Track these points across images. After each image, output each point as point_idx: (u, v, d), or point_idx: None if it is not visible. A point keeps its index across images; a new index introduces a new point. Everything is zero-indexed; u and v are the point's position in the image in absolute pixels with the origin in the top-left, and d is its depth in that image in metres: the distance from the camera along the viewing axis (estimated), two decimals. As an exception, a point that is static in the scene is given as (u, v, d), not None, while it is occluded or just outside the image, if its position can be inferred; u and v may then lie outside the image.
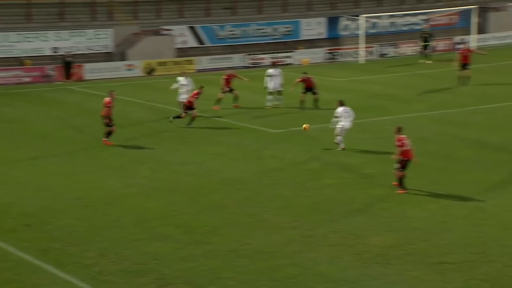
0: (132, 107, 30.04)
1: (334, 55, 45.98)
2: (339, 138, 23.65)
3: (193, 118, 26.96)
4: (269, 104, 30.53)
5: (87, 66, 40.59)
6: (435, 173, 20.44)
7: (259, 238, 16.00)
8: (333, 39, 46.71)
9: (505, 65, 40.73)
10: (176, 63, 42.90)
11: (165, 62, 42.74)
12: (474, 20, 46.37)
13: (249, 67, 43.97)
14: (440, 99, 31.58)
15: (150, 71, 42.01)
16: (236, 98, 30.88)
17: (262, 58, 44.39)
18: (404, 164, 18.87)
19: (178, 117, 27.14)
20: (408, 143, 18.79)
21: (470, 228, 16.27)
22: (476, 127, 25.96)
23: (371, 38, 47.82)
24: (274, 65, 31.59)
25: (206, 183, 20.16)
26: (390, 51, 47.03)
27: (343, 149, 23.55)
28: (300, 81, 30.05)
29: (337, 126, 23.52)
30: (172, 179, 20.52)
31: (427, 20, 49.25)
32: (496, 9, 51.71)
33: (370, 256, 14.87)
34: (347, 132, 23.74)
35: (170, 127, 27.55)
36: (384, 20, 48.66)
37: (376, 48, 46.83)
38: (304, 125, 23.43)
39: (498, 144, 23.44)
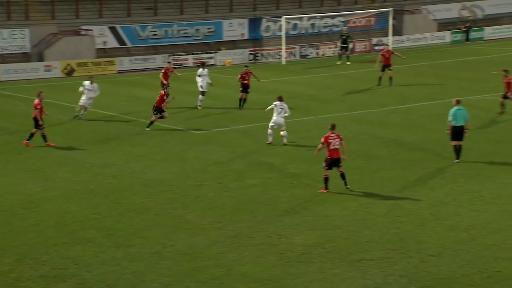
0: (52, 108, 29.35)
1: (256, 56, 46.18)
2: (269, 131, 23.97)
3: (152, 122, 26.33)
4: (200, 104, 30.37)
5: (3, 67, 39.47)
6: (355, 172, 20.76)
7: (183, 240, 15.88)
8: (255, 40, 46.91)
9: (420, 66, 41.83)
10: (96, 64, 42.21)
11: (85, 63, 41.97)
12: (391, 22, 47.44)
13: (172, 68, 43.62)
14: (360, 100, 32.13)
15: (69, 72, 41.18)
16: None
17: (185, 59, 44.18)
18: (328, 162, 18.98)
19: (151, 123, 26.37)
20: (334, 142, 18.83)
21: (389, 225, 16.60)
22: (394, 126, 26.54)
23: (292, 39, 48.30)
24: (203, 65, 31.40)
25: (129, 185, 19.89)
26: (311, 52, 47.59)
27: (270, 143, 23.84)
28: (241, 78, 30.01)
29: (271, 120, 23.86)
30: (93, 182, 20.15)
31: (345, 22, 50.08)
32: (411, 12, 53.07)
33: (293, 255, 14.97)
34: (278, 128, 23.93)
35: (90, 128, 27.06)
36: (305, 21, 49.21)
37: (297, 49, 47.32)
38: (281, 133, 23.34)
39: (414, 143, 24.02)
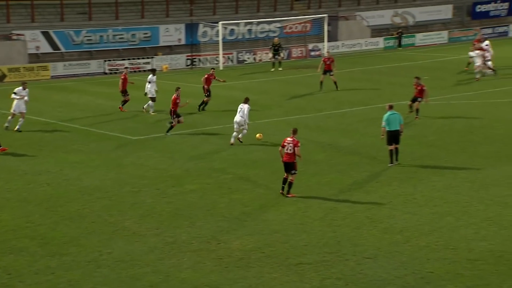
0: (-16, 115, 28.57)
1: (194, 61, 45.99)
2: (234, 133, 24.79)
3: (172, 126, 26.26)
4: (149, 109, 30.04)
5: None
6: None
7: (120, 247, 15.62)
8: (192, 46, 46.70)
9: (355, 72, 42.39)
10: (29, 69, 41.28)
11: (17, 68, 40.99)
12: (326, 28, 47.95)
13: (108, 73, 43.13)
14: (297, 104, 32.32)
15: (0, 78, 40.15)
16: (125, 101, 30.82)
17: (121, 65, 43.64)
18: (284, 166, 18.87)
19: (171, 127, 26.22)
20: (288, 146, 18.69)
21: (326, 228, 16.70)
22: (330, 131, 26.79)
23: (229, 44, 48.31)
24: (153, 71, 30.97)
25: (64, 192, 19.47)
26: (248, 57, 47.68)
27: (231, 144, 24.51)
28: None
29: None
30: (26, 189, 19.65)
31: (281, 28, 50.37)
32: (346, 18, 53.77)
33: (231, 260, 14.90)
34: (240, 128, 24.62)
35: (23, 135, 26.43)
36: (241, 27, 49.28)
37: (234, 54, 47.34)
38: (257, 135, 23.73)
39: (350, 147, 24.29)
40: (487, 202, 18.34)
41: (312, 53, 48.97)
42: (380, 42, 53.18)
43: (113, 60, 44.05)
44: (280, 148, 19.07)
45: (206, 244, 15.78)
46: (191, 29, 47.17)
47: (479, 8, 59.58)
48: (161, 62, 45.08)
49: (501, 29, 57.96)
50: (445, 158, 22.56)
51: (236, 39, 49.61)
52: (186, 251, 15.39)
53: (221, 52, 45.49)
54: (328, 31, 49.51)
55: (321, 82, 35.73)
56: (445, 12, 58.22)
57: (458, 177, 20.46)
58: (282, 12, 53.02)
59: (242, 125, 24.73)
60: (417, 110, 28.25)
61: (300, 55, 49.28)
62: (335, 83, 35.50)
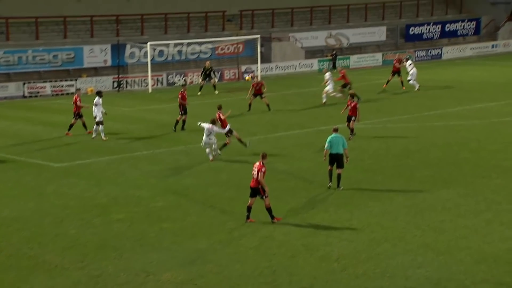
0: None
1: (120, 84, 45.53)
2: (207, 150, 25.84)
3: (239, 140, 27.12)
4: (100, 134, 29.51)
5: None
6: (226, 202, 20.72)
7: (40, 282, 15.13)
8: (119, 67, 46.24)
9: (289, 95, 42.73)
10: None
11: None
12: (259, 49, 48.27)
13: (27, 96, 42.21)
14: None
15: None
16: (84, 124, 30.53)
17: (42, 87, 42.80)
18: (251, 191, 18.81)
19: (225, 145, 26.93)
20: (254, 171, 18.67)
21: (260, 258, 16.60)
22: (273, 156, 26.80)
23: (158, 66, 48.07)
24: (99, 94, 30.34)
25: (-19, 224, 18.81)
26: (178, 79, 47.51)
27: (211, 160, 25.56)
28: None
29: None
30: None
31: (213, 49, 50.46)
32: (279, 39, 54.30)
33: (161, 293, 14.63)
34: (210, 146, 25.63)
35: None
36: (171, 48, 49.14)
37: (164, 76, 47.12)
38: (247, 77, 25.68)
39: (285, 172, 24.35)
40: (424, 227, 18.61)
41: (245, 75, 49.19)
42: (315, 64, 53.87)
43: (33, 82, 43.16)
44: (253, 176, 18.91)
45: (135, 277, 15.45)
46: (117, 49, 46.71)
47: (412, 30, 61.14)
48: (85, 84, 44.43)
49: (434, 52, 59.57)
50: (381, 182, 22.86)
51: (165, 60, 49.44)
52: (113, 285, 15.04)
53: (149, 74, 45.20)
54: (261, 52, 49.86)
55: (250, 104, 36.36)
56: (379, 34, 59.52)
57: (395, 202, 20.73)
58: (213, 33, 53.18)
59: (213, 144, 25.93)
60: (352, 130, 28.68)
61: (232, 77, 49.43)
62: (267, 105, 36.02)
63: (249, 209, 19.01)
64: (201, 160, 26.11)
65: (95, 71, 46.88)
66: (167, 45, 48.62)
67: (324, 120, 33.19)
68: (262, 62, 49.40)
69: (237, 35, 51.72)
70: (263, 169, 18.76)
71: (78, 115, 30.72)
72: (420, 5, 64.10)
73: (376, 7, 62.01)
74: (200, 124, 26.49)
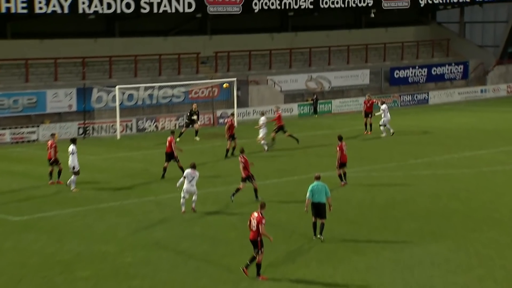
0: None
1: (87, 130, 45.41)
2: (182, 200, 25.50)
3: (255, 190, 27.13)
4: (71, 185, 29.40)
5: None
6: (200, 257, 20.51)
7: None
8: (85, 112, 46.16)
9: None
10: None
11: None
12: (235, 93, 48.52)
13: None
14: (205, 177, 32.23)
15: None
16: (59, 172, 30.38)
17: (1, 134, 42.53)
18: (252, 243, 18.98)
19: (255, 191, 27.07)
20: (253, 223, 18.71)
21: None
22: (241, 206, 26.71)
23: (128, 111, 48.08)
24: (73, 141, 30.18)
25: None
26: (149, 125, 47.52)
27: (183, 212, 25.24)
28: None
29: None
30: None
31: (187, 92, 50.65)
32: (256, 82, 54.67)
33: None
34: (191, 197, 25.43)
35: None
36: (141, 91, 49.23)
37: (133, 122, 47.09)
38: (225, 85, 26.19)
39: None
40: (412, 284, 18.57)
41: (221, 120, 49.34)
42: (295, 109, 54.21)
43: (-7, 129, 42.94)
44: (248, 223, 18.86)
45: None
46: (83, 93, 46.69)
47: (397, 73, 61.87)
48: (48, 131, 44.22)
49: (420, 96, 60.20)
50: (366, 235, 22.86)
51: (135, 104, 49.49)
52: None
53: (118, 119, 45.17)
54: (238, 96, 50.10)
55: (228, 150, 36.76)
56: (362, 77, 60.11)
57: (381, 257, 20.70)
58: (187, 76, 53.45)
59: (194, 193, 25.62)
60: (344, 176, 29.44)
61: (207, 122, 49.53)
62: (233, 148, 36.66)
63: (253, 259, 18.97)
64: (173, 212, 25.97)
65: (59, 117, 46.75)
66: (137, 89, 48.74)
67: (304, 168, 33.27)
68: (238, 106, 49.65)
69: (211, 78, 52.06)
70: (263, 221, 18.72)
71: (55, 161, 30.63)
72: (405, 47, 65.04)
73: (359, 49, 62.81)
74: (177, 185, 26.25)
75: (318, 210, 22.14)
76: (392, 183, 30.45)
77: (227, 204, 26.95)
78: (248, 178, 26.93)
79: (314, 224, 22.21)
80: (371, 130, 43.66)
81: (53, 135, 32.34)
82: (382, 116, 43.19)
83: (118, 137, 44.80)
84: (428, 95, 60.42)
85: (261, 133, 39.26)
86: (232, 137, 36.81)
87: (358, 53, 62.79)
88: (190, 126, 43.87)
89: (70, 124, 45.29)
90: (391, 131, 42.98)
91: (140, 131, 46.97)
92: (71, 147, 29.66)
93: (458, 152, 37.61)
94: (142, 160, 37.11)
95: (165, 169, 31.91)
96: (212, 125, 49.47)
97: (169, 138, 32.36)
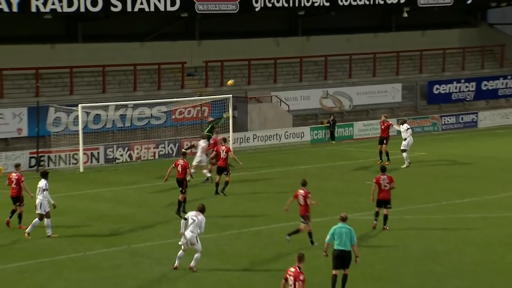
0: None
1: (41, 161, 45.43)
2: (179, 253, 25.07)
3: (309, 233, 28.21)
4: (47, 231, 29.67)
5: None
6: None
7: None
8: (38, 138, 46.22)
9: (272, 174, 42.77)
10: None
11: None
12: (231, 113, 48.52)
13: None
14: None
15: None
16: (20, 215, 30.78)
17: None
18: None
19: (310, 235, 27.83)
20: (291, 282, 19.16)
21: None
22: (238, 257, 26.66)
23: (94, 136, 48.09)
24: (44, 175, 30.30)
25: None
26: (121, 154, 47.53)
27: (175, 267, 24.86)
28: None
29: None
30: None
31: (169, 112, 50.68)
32: (258, 100, 54.76)
33: None
34: (191, 247, 24.86)
35: None
36: (111, 111, 49.28)
37: (101, 150, 47.10)
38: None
39: (266, 281, 24.24)
40: None
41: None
42: (306, 133, 54.28)
43: None
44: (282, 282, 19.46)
45: None
46: (37, 114, 46.80)
47: (438, 89, 61.94)
48: (-7, 161, 44.29)
49: (467, 118, 60.27)
50: (399, 296, 22.81)
51: (103, 128, 49.54)
52: None
53: (81, 147, 45.23)
54: (234, 117, 50.15)
55: (217, 184, 37.10)
56: (393, 93, 60.16)
57: (418, 324, 20.65)
58: (169, 91, 53.60)
59: (194, 244, 24.87)
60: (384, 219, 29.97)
61: (194, 150, 49.46)
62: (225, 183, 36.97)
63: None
64: (150, 266, 25.91)
65: (5, 144, 46.82)
66: (106, 108, 48.80)
67: (319, 210, 33.21)
68: (235, 130, 49.72)
69: (200, 95, 52.19)
70: (302, 277, 19.07)
71: (21, 200, 31.01)
72: (447, 55, 65.28)
73: (388, 58, 63.06)
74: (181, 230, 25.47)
75: (341, 258, 22.18)
76: (431, 228, 30.40)
77: (221, 255, 26.89)
78: (304, 217, 27.83)
79: (334, 278, 22.16)
80: (388, 159, 43.83)
81: (17, 166, 32.47)
82: (405, 137, 43.36)
83: (81, 169, 44.82)
84: (477, 116, 60.58)
85: (197, 159, 39.50)
86: (224, 170, 36.74)
87: (387, 63, 63.05)
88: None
89: (20, 154, 45.33)
90: (407, 161, 43.11)
91: (109, 162, 47.00)
92: (42, 183, 29.77)
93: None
94: (111, 199, 37.08)
95: (180, 202, 32.65)
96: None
97: (182, 162, 33.15)
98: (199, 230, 24.97)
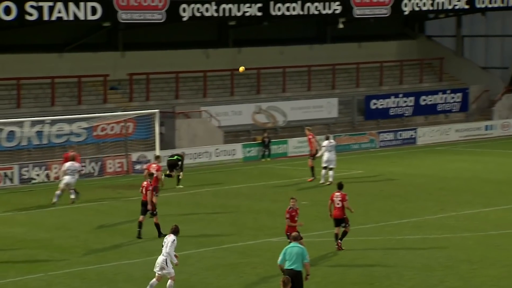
0: None
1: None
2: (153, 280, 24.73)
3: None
4: None
5: None
6: None
7: None
8: None
9: (202, 194, 42.63)
10: None
11: None
12: (157, 130, 48.27)
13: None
14: (113, 244, 31.89)
15: None
16: None
17: None
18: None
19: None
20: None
21: None
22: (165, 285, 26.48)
23: (7, 155, 47.48)
24: None
25: None
26: (37, 174, 46.96)
27: None
28: None
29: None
30: None
31: (90, 129, 50.18)
32: (186, 116, 54.58)
33: None
34: (159, 270, 24.60)
35: None
36: (27, 128, 48.70)
37: (15, 170, 46.49)
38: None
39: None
40: None
41: (137, 166, 49.00)
42: (238, 151, 54.19)
43: None
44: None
45: None
46: None
47: (375, 104, 62.35)
48: None
49: (406, 134, 60.71)
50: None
51: (18, 146, 48.94)
52: None
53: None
54: (161, 133, 49.86)
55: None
56: (329, 108, 60.42)
57: None
58: (90, 106, 53.14)
59: (164, 269, 24.64)
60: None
61: (119, 169, 49.12)
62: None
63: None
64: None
65: None
66: (21, 124, 48.23)
67: (251, 232, 33.09)
68: (162, 147, 49.40)
69: (125, 110, 51.80)
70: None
71: None
72: (385, 69, 65.85)
73: (324, 71, 63.35)
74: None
75: (293, 279, 22.17)
76: (369, 250, 30.44)
77: (146, 282, 26.66)
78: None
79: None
80: (313, 175, 44.59)
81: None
82: (327, 153, 43.68)
83: (-5, 190, 44.21)
84: (416, 133, 61.07)
85: (67, 177, 39.80)
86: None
87: (322, 76, 63.36)
88: (175, 169, 43.96)
89: None
90: (323, 179, 43.51)
91: (24, 183, 46.38)
92: None
93: (456, 209, 37.87)
94: (27, 222, 36.58)
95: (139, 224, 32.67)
96: (126, 173, 49.05)
97: (145, 184, 33.11)
98: (168, 249, 24.73)
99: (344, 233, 30.36)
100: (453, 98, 65.45)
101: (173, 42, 58.45)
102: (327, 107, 60.42)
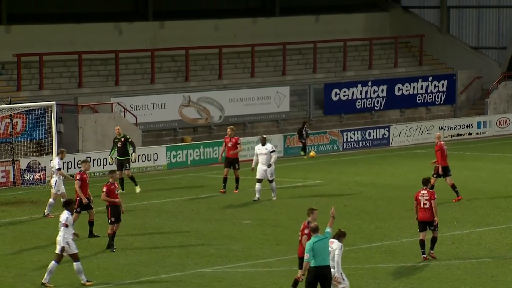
0: None
1: None
2: None
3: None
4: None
5: None
6: None
7: None
8: None
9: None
10: None
11: None
12: (54, 128, 47.80)
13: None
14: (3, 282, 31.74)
15: None
16: None
17: None
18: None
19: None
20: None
21: None
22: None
23: None
24: None
25: None
26: None
27: None
28: None
29: None
30: None
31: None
32: (94, 109, 54.24)
33: None
34: None
35: None
36: None
37: None
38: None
39: None
40: None
41: (27, 177, 48.69)
42: (161, 155, 54.06)
43: None
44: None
45: None
46: None
47: (337, 94, 62.44)
48: None
49: (376, 133, 60.86)
50: None
51: None
52: None
53: None
54: (59, 132, 49.52)
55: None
56: (278, 100, 60.54)
57: None
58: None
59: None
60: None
61: (3, 180, 48.77)
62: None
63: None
64: None
65: None
66: None
67: (179, 259, 33.07)
68: (60, 152, 49.02)
69: (11, 102, 51.47)
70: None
71: None
72: (349, 49, 66.04)
73: (272, 52, 63.47)
74: None
75: (321, 277, 23.76)
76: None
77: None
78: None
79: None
80: (237, 188, 45.34)
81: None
82: (270, 164, 43.47)
83: None
84: (389, 131, 61.35)
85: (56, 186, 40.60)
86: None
87: (269, 59, 63.52)
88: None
89: None
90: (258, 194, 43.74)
91: None
92: None
93: (440, 229, 37.77)
94: None
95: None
96: (11, 186, 48.68)
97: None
98: None
99: (434, 240, 32.13)
100: (436, 87, 65.88)
101: (75, 13, 58.27)
102: (275, 99, 60.53)
